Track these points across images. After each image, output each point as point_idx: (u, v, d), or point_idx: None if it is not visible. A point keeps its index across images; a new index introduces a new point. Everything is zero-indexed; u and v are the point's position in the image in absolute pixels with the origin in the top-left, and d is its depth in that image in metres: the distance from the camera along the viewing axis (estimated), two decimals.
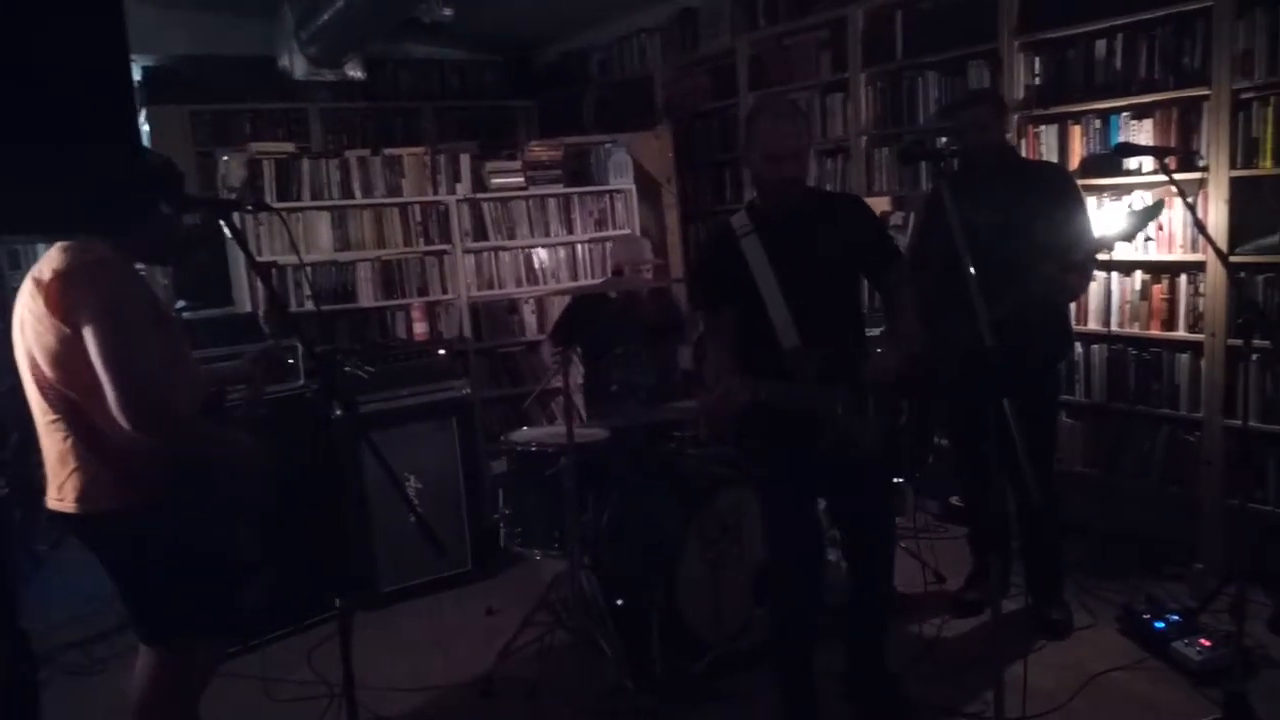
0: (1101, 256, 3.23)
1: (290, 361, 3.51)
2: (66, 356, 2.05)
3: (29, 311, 2.09)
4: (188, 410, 2.21)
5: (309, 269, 4.61)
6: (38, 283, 2.08)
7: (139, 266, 2.40)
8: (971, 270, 2.19)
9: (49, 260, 2.10)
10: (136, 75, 6.04)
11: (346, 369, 3.74)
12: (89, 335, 2.02)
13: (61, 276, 2.06)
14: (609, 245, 5.16)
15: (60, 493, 2.17)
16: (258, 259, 4.26)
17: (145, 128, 5.91)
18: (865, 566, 2.80)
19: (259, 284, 4.40)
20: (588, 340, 4.02)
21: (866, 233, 2.72)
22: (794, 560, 2.69)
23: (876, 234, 2.79)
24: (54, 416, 2.13)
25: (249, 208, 3.67)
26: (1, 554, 1.49)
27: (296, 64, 5.94)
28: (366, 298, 4.80)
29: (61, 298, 2.04)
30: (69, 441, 2.14)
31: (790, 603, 2.72)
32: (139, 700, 2.28)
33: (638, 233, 5.33)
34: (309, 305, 4.54)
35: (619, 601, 3.38)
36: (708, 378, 2.53)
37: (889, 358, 2.58)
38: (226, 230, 2.24)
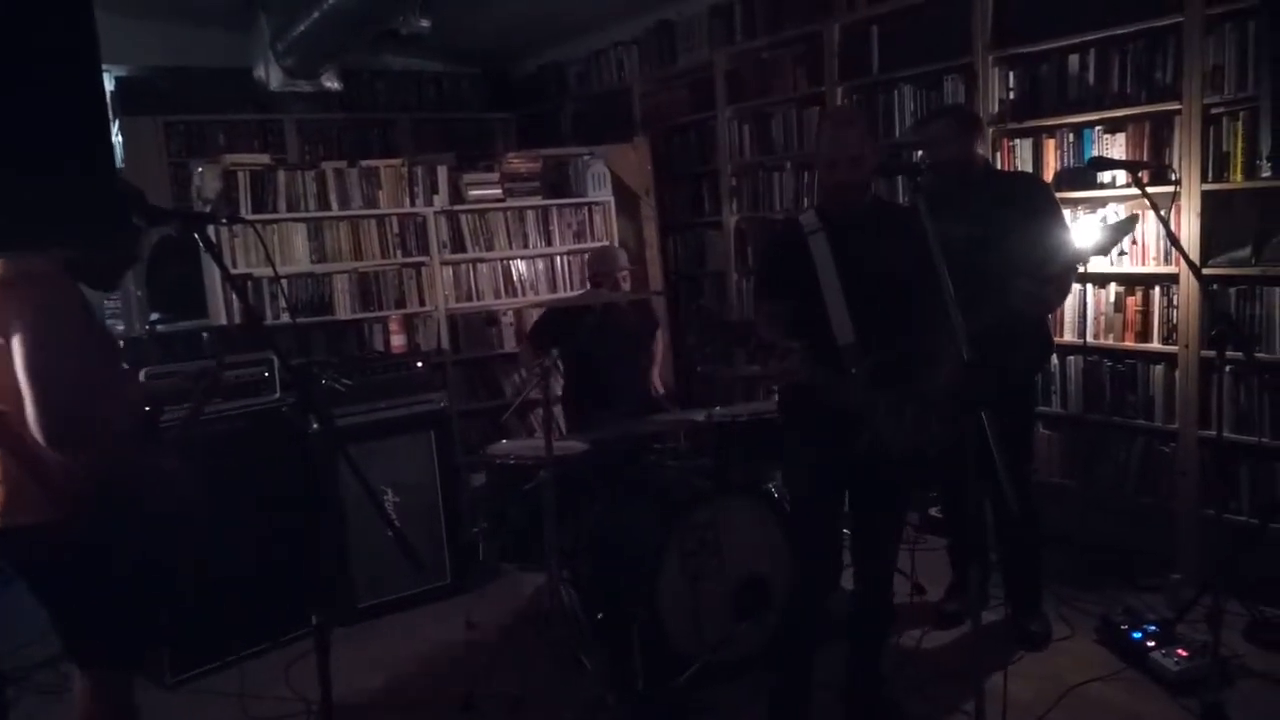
0: (1078, 269, 3.26)
1: (233, 376, 3.44)
2: None
3: None
4: (111, 430, 2.15)
5: (285, 281, 4.57)
6: None
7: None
8: (949, 283, 2.20)
9: None
10: (109, 86, 5.97)
11: (323, 382, 3.71)
12: (16, 347, 2.00)
13: None
14: (586, 256, 5.17)
15: None
16: (232, 271, 4.25)
17: (118, 139, 5.85)
18: (873, 573, 2.83)
19: (234, 297, 4.35)
20: (568, 351, 4.01)
21: (920, 248, 2.71)
22: (818, 557, 2.74)
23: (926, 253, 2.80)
24: None
25: (224, 221, 3.64)
26: None
27: (272, 75, 5.90)
28: (343, 310, 4.77)
29: None
30: None
31: (808, 600, 2.75)
32: None
33: (616, 244, 5.33)
34: (285, 318, 4.50)
35: (599, 615, 3.37)
36: (764, 331, 2.54)
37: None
38: (201, 243, 2.23)
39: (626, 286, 4.24)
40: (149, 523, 2.22)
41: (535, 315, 5.11)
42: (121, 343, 3.35)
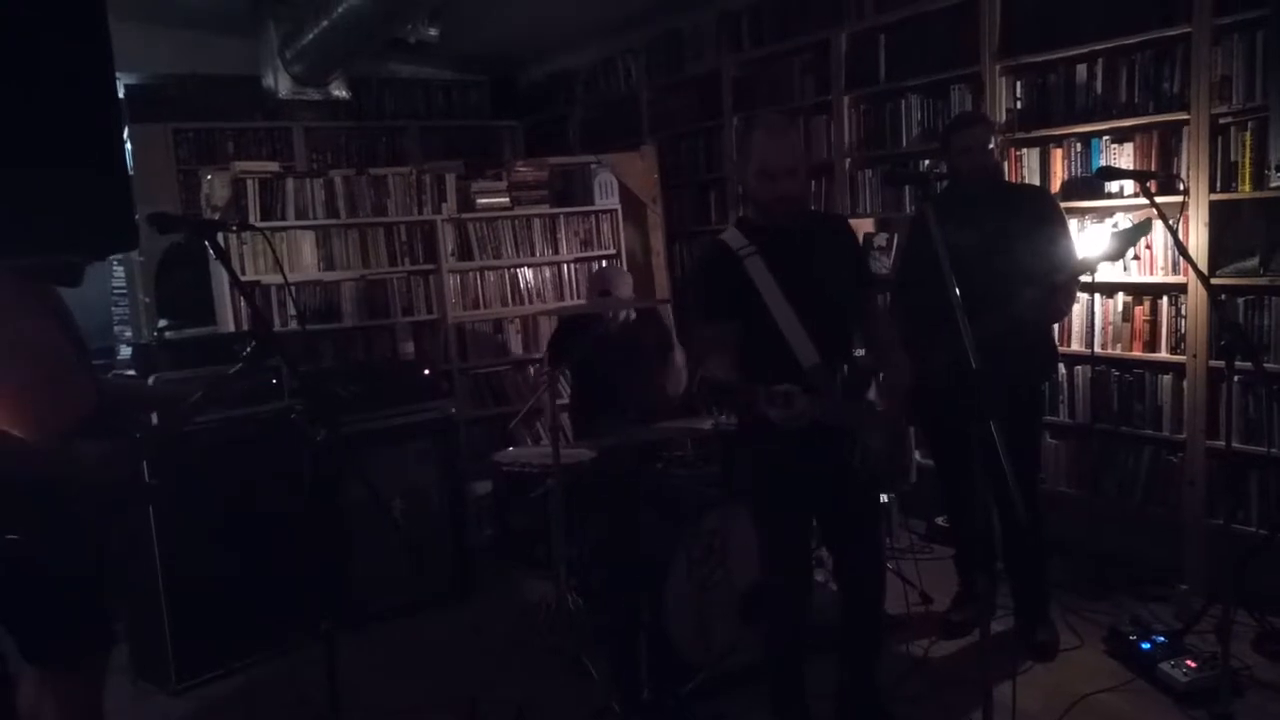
0: (1084, 278, 3.26)
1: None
2: None
3: None
4: (43, 430, 2.12)
5: (293, 288, 4.58)
6: None
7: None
8: (957, 292, 2.21)
9: None
10: (119, 93, 6.01)
11: (331, 389, 3.72)
12: None
13: None
14: (592, 268, 5.19)
15: None
16: (242, 278, 4.27)
17: (128, 146, 5.88)
18: (857, 587, 2.79)
19: (242, 303, 4.37)
20: (577, 358, 4.00)
21: (850, 256, 2.74)
22: (790, 578, 2.71)
23: (857, 260, 2.81)
24: None
25: (233, 228, 3.66)
26: None
27: (281, 83, 5.93)
28: (351, 317, 4.78)
29: None
30: None
31: (784, 621, 2.72)
32: None
33: (624, 253, 5.34)
34: (293, 324, 4.51)
35: (606, 622, 3.37)
36: (717, 377, 2.46)
37: (898, 383, 2.62)
38: (211, 250, 2.22)
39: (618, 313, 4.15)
40: (83, 523, 2.19)
41: (543, 323, 5.14)
42: (129, 349, 3.35)
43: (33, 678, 2.26)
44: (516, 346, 5.17)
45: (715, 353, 2.53)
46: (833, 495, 2.65)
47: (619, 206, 5.38)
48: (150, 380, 3.13)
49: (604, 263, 5.26)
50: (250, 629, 3.58)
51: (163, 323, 4.42)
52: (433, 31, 5.04)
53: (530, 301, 5.17)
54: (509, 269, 5.13)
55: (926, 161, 4.44)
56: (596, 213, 5.33)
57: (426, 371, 4.28)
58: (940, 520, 4.35)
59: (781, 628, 2.75)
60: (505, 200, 5.09)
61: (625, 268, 5.20)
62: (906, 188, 4.58)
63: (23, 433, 2.09)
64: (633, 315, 4.07)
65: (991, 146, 3.28)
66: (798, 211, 2.63)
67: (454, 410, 4.27)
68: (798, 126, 3.19)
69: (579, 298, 5.21)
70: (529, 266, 5.18)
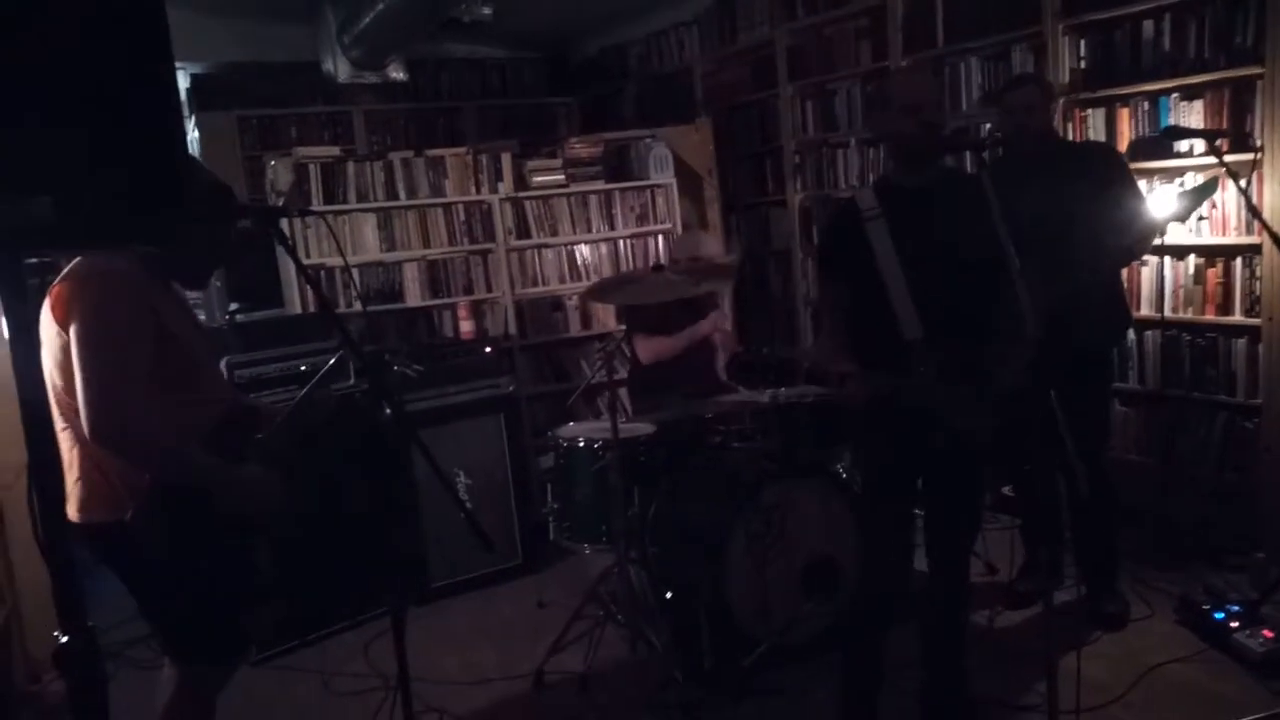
0: (1154, 240, 3.16)
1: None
2: (66, 364, 2.05)
3: (43, 318, 2.11)
4: (157, 435, 2.11)
5: (356, 270, 4.67)
6: (50, 290, 2.11)
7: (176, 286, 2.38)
8: (1015, 259, 2.16)
9: (67, 268, 2.14)
10: (185, 83, 6.16)
11: (395, 368, 3.80)
12: (73, 342, 2.03)
13: (63, 284, 2.08)
14: (648, 244, 5.21)
15: (67, 501, 2.17)
16: (306, 261, 4.37)
17: (194, 134, 6.03)
18: (947, 561, 2.72)
19: (308, 288, 4.46)
20: (642, 325, 4.02)
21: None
22: (889, 550, 2.67)
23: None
24: (63, 425, 2.13)
25: (297, 213, 3.73)
26: (66, 552, 1.50)
27: (340, 67, 6.03)
28: (413, 297, 4.86)
29: (59, 304, 2.06)
30: (75, 450, 2.14)
31: (878, 588, 2.69)
32: (164, 707, 2.31)
33: (679, 227, 5.33)
34: (357, 306, 4.61)
35: (667, 595, 3.40)
36: (820, 356, 2.46)
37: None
38: (275, 238, 2.27)
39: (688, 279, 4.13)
40: (226, 527, 2.20)
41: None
42: None
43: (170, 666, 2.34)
44: (575, 323, 5.21)
45: (828, 316, 2.52)
46: (935, 465, 2.58)
47: (674, 180, 5.36)
48: (220, 365, 3.21)
49: (660, 237, 5.27)
50: (324, 602, 3.70)
51: (234, 306, 4.54)
52: (486, 10, 5.06)
53: (588, 277, 5.19)
54: (566, 246, 5.16)
55: (988, 126, 4.34)
56: (652, 187, 5.32)
57: (488, 349, 4.35)
58: (1006, 490, 4.29)
59: (875, 596, 2.70)
60: (561, 178, 5.11)
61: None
62: (967, 154, 4.48)
63: (164, 425, 2.12)
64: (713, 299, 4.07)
65: (1040, 107, 3.18)
66: (934, 159, 2.54)
67: (514, 387, 4.32)
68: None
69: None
70: (586, 243, 5.20)
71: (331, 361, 2.51)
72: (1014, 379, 2.40)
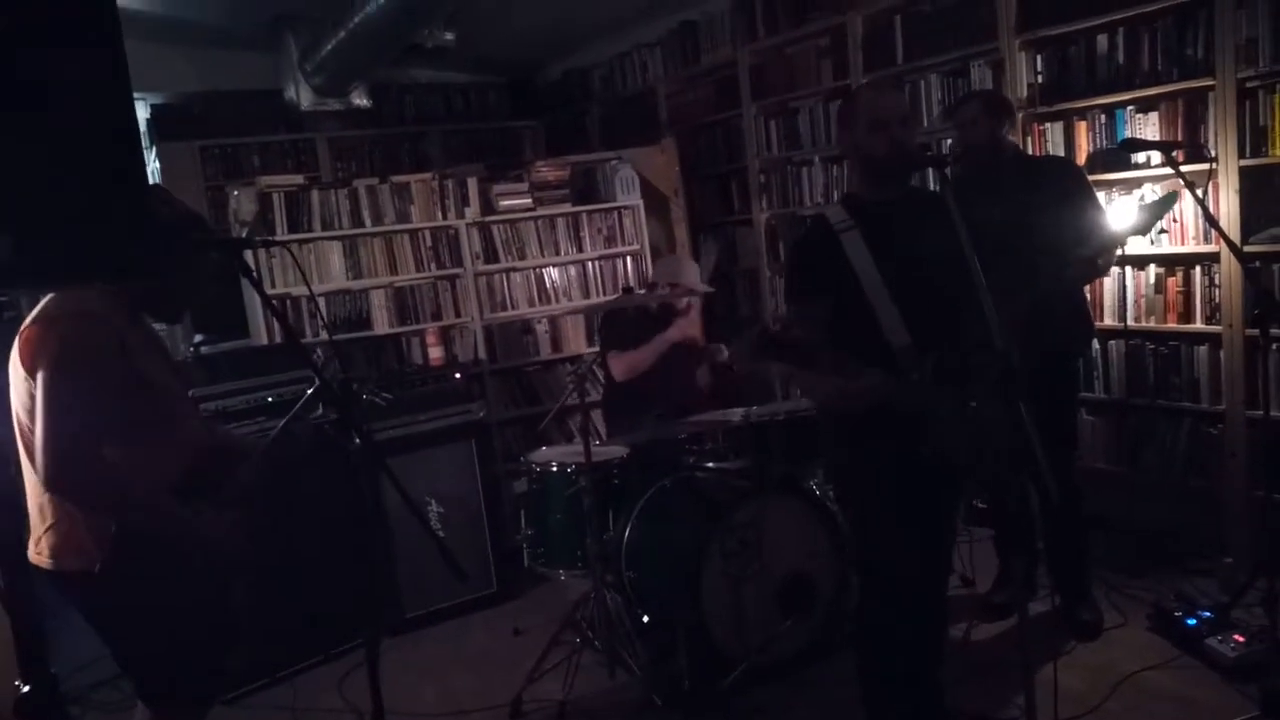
0: (1117, 253, 3.20)
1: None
2: (34, 410, 2.01)
3: (12, 361, 2.07)
4: (120, 483, 2.07)
5: (322, 300, 4.63)
6: (20, 333, 2.06)
7: (157, 324, 2.35)
8: (980, 272, 2.18)
9: (38, 308, 2.09)
10: (145, 113, 6.09)
11: (364, 397, 3.76)
12: (38, 391, 1.99)
13: (32, 327, 2.04)
14: (615, 265, 5.24)
15: (38, 546, 2.13)
16: (272, 291, 4.32)
17: (155, 165, 5.97)
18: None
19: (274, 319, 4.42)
20: (616, 343, 4.01)
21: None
22: (901, 580, 2.50)
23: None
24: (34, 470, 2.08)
25: (260, 244, 3.69)
26: (26, 598, 1.44)
27: (303, 95, 6.00)
28: (381, 325, 4.83)
29: (27, 350, 2.02)
30: (47, 495, 2.09)
31: (898, 617, 2.51)
32: None
33: (647, 248, 5.35)
34: (324, 335, 4.56)
35: (644, 618, 3.38)
36: (821, 372, 2.37)
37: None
38: (240, 270, 2.24)
39: (686, 307, 4.10)
40: (197, 571, 2.17)
41: (569, 322, 5.17)
42: None
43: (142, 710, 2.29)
44: (546, 346, 5.19)
45: (801, 330, 2.42)
46: (914, 487, 2.47)
47: (641, 201, 5.38)
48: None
49: (629, 259, 5.28)
50: (295, 637, 3.64)
51: (198, 338, 4.48)
52: (448, 36, 5.07)
53: (557, 300, 5.19)
54: (534, 269, 5.15)
55: (948, 142, 4.40)
56: (619, 209, 5.33)
57: (457, 375, 4.32)
58: (978, 502, 4.31)
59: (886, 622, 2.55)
60: (527, 201, 5.11)
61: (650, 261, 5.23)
62: (929, 171, 4.53)
63: (132, 472, 2.08)
64: (688, 303, 4.07)
65: (981, 121, 3.24)
66: (904, 177, 2.52)
67: (485, 413, 4.30)
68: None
69: (604, 295, 5.22)
70: (554, 266, 5.20)
71: (309, 393, 2.46)
72: (990, 389, 2.33)
